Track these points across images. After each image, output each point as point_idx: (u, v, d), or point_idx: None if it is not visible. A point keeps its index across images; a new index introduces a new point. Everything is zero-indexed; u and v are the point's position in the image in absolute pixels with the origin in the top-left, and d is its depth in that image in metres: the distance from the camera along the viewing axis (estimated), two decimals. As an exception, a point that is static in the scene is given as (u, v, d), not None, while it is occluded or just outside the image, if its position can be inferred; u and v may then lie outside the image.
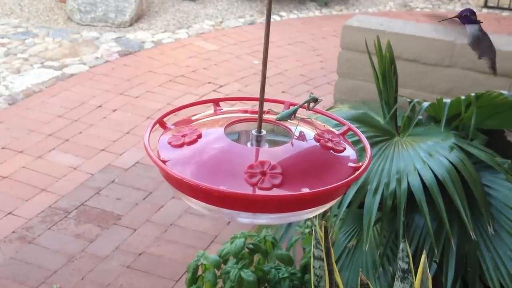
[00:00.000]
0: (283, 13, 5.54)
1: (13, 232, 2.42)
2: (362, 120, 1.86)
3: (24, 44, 4.31)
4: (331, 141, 0.79)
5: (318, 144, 0.79)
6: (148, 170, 2.87)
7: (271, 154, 0.76)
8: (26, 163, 2.89)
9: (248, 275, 1.63)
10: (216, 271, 1.69)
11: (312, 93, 0.83)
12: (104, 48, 4.35)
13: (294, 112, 0.83)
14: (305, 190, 0.70)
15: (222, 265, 1.71)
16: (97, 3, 4.80)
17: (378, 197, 1.62)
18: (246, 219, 0.75)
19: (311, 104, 0.83)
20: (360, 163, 0.77)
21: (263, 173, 0.71)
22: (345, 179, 0.74)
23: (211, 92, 3.78)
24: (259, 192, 0.70)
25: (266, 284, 1.70)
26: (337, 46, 2.69)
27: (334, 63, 2.68)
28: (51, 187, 2.72)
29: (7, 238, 2.38)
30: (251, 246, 1.73)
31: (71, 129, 3.21)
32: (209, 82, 3.91)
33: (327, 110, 2.12)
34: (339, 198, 0.81)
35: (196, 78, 3.96)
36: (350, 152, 0.80)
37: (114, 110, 3.46)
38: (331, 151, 0.78)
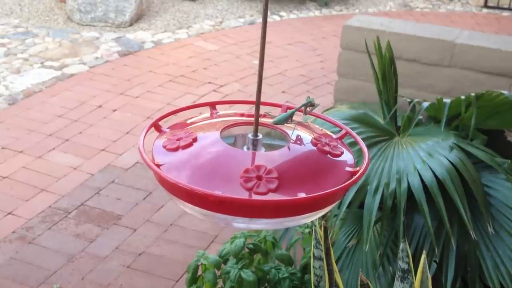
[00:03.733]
0: (283, 13, 5.53)
1: (13, 232, 2.42)
2: (362, 120, 1.86)
3: (24, 44, 4.31)
4: (329, 145, 0.78)
5: (315, 148, 0.77)
6: (148, 170, 2.85)
7: (267, 158, 0.75)
8: (26, 163, 2.89)
9: (248, 275, 1.63)
10: (216, 271, 1.70)
11: (309, 96, 0.82)
12: (104, 48, 4.35)
13: (291, 115, 0.81)
14: (302, 194, 0.69)
15: (222, 265, 1.71)
16: (97, 3, 4.80)
17: (378, 197, 1.62)
18: (242, 224, 0.74)
19: (308, 108, 0.82)
20: (358, 168, 0.76)
21: (259, 178, 0.70)
22: (342, 183, 0.73)
23: (211, 92, 3.78)
24: (254, 196, 0.69)
25: (266, 284, 1.70)
26: (337, 46, 2.69)
27: (334, 63, 2.67)
28: (51, 187, 2.72)
29: (7, 238, 2.38)
30: (251, 246, 1.73)
31: (71, 129, 3.21)
32: (209, 82, 3.91)
33: (327, 110, 2.12)
34: (336, 202, 0.80)
35: (196, 78, 3.95)
36: (347, 156, 0.79)
37: (114, 110, 3.45)
38: (329, 155, 0.77)
